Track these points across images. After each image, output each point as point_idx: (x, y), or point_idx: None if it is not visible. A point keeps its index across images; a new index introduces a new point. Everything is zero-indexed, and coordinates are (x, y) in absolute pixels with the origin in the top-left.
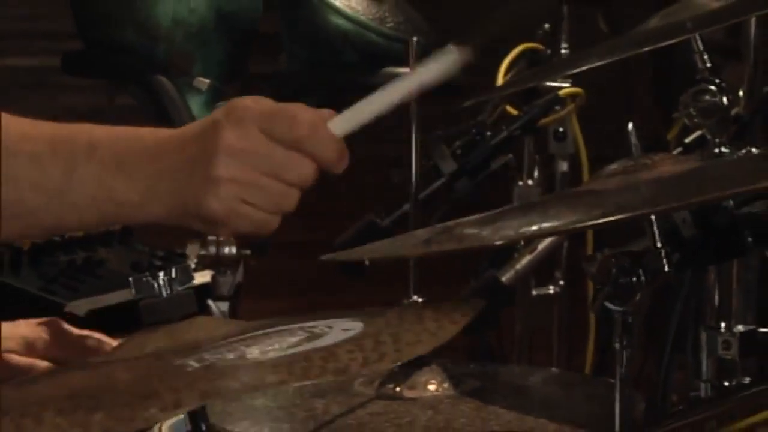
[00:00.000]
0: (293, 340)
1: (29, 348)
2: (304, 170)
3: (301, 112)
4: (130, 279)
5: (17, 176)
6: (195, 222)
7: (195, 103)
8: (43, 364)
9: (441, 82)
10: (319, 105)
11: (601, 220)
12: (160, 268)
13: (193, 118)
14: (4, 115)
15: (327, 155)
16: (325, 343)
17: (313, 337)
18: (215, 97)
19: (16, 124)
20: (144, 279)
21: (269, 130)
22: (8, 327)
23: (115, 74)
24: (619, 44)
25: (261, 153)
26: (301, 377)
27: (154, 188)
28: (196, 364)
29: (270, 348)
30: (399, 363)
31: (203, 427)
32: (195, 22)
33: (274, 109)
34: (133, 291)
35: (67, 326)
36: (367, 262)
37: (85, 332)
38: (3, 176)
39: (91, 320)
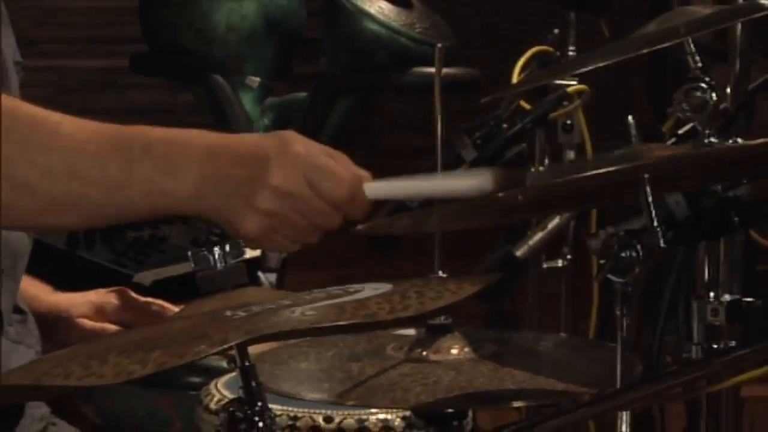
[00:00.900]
0: (329, 300)
1: (99, 313)
2: (333, 220)
3: (346, 173)
4: (189, 253)
5: (83, 173)
6: (229, 229)
7: (247, 99)
8: (113, 327)
9: (466, 197)
10: (354, 102)
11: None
12: (215, 244)
13: (245, 113)
14: (72, 118)
15: (356, 215)
16: (356, 298)
17: (348, 294)
18: (264, 93)
19: (82, 126)
20: (201, 253)
21: (313, 182)
22: (79, 296)
23: (177, 74)
24: (619, 47)
25: (301, 198)
26: (334, 319)
27: (200, 190)
28: (242, 314)
29: (310, 308)
30: (422, 314)
31: (254, 385)
32: (246, 28)
33: (322, 164)
34: (192, 264)
35: (132, 294)
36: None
37: (149, 299)
38: (71, 173)
39: (155, 290)
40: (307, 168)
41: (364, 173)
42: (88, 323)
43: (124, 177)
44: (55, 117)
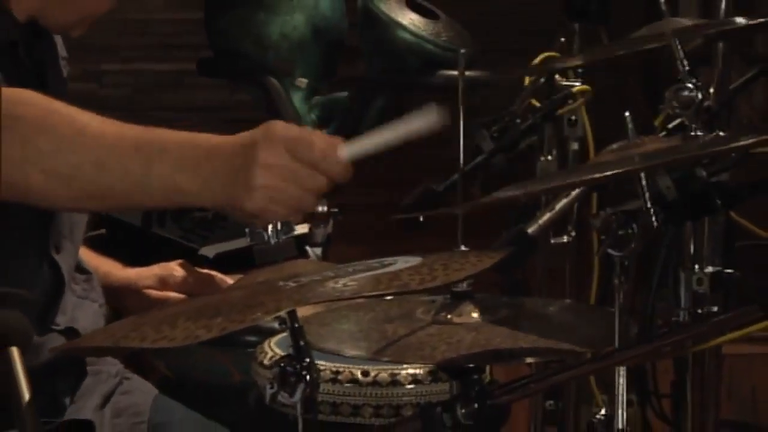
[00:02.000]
0: (367, 271)
1: (163, 284)
2: (317, 182)
3: (318, 139)
4: (247, 230)
5: (108, 169)
6: (236, 213)
7: (296, 98)
8: (176, 295)
9: (421, 134)
10: (388, 100)
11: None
12: (268, 222)
13: (295, 110)
14: (101, 118)
15: (334, 173)
16: (390, 270)
17: (383, 267)
18: (311, 93)
19: (109, 127)
20: (257, 230)
21: (293, 151)
22: (146, 270)
23: (237, 76)
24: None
25: (285, 168)
26: (371, 289)
27: (208, 184)
28: (293, 284)
29: (350, 279)
30: (448, 283)
31: (301, 344)
32: (296, 37)
33: (298, 135)
34: (249, 239)
35: (191, 267)
36: (421, 219)
37: (205, 271)
38: (98, 168)
39: (218, 262)
40: (286, 142)
41: (336, 139)
42: (153, 293)
43: (144, 174)
44: (85, 117)
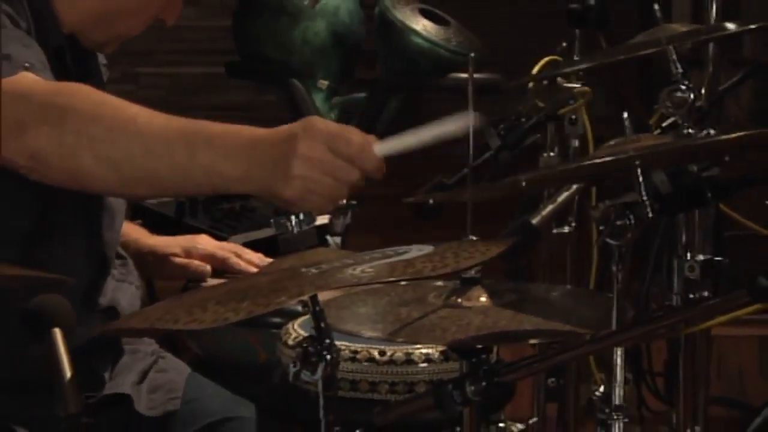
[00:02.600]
0: (383, 259)
1: (187, 253)
2: (352, 176)
3: (355, 136)
4: (272, 220)
5: (155, 157)
6: (275, 200)
7: (318, 98)
8: (197, 263)
9: (454, 137)
10: (403, 100)
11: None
12: (292, 213)
13: (316, 109)
14: (148, 110)
15: (368, 168)
16: (405, 257)
17: (398, 255)
18: (331, 94)
19: (156, 118)
20: (281, 220)
21: (332, 145)
22: (171, 239)
23: (263, 78)
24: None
25: (323, 161)
26: (387, 276)
27: (249, 172)
28: (315, 271)
29: (368, 266)
30: (458, 270)
31: (323, 325)
32: (318, 42)
33: (337, 130)
34: (274, 229)
35: (210, 239)
36: (431, 201)
37: (223, 243)
38: (145, 155)
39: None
40: (325, 136)
41: (371, 136)
42: (177, 259)
43: (189, 161)
44: (134, 108)
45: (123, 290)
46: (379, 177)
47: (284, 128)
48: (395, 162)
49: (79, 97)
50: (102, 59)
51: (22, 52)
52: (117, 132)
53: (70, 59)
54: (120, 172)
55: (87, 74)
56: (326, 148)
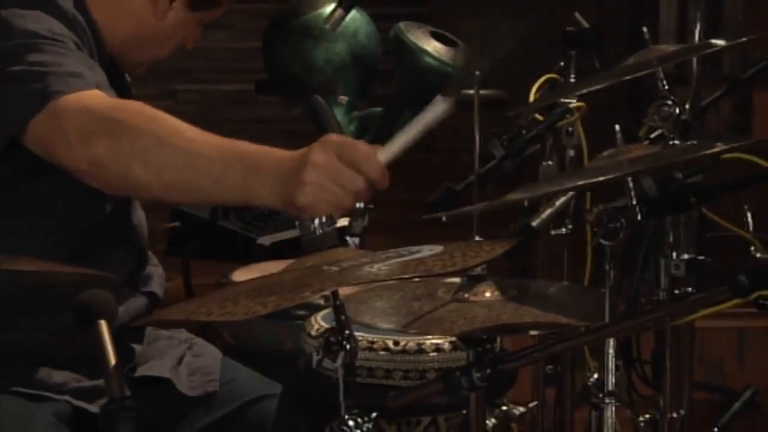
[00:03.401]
0: (397, 258)
1: None
2: (358, 183)
3: (361, 146)
4: (296, 222)
5: (195, 168)
6: (290, 209)
7: (338, 113)
8: None
9: (436, 124)
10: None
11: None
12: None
13: (337, 123)
14: (194, 128)
15: (373, 174)
16: (417, 257)
17: (410, 254)
18: (350, 108)
19: (200, 135)
20: (305, 222)
21: (340, 153)
22: None
23: (289, 94)
24: (607, 75)
25: (332, 168)
26: (401, 273)
27: (274, 187)
28: (335, 269)
29: (384, 264)
30: (465, 268)
31: (343, 318)
32: (338, 62)
33: (345, 141)
34: (298, 230)
35: None
36: (443, 219)
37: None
38: (186, 166)
39: (272, 249)
40: (335, 146)
41: (376, 146)
42: None
43: (222, 175)
44: (181, 125)
45: (155, 275)
46: (383, 186)
47: (304, 149)
48: (408, 169)
49: (135, 113)
50: (128, 77)
51: (90, 72)
52: (163, 144)
53: (113, 80)
54: (162, 179)
55: (124, 92)
56: (335, 156)
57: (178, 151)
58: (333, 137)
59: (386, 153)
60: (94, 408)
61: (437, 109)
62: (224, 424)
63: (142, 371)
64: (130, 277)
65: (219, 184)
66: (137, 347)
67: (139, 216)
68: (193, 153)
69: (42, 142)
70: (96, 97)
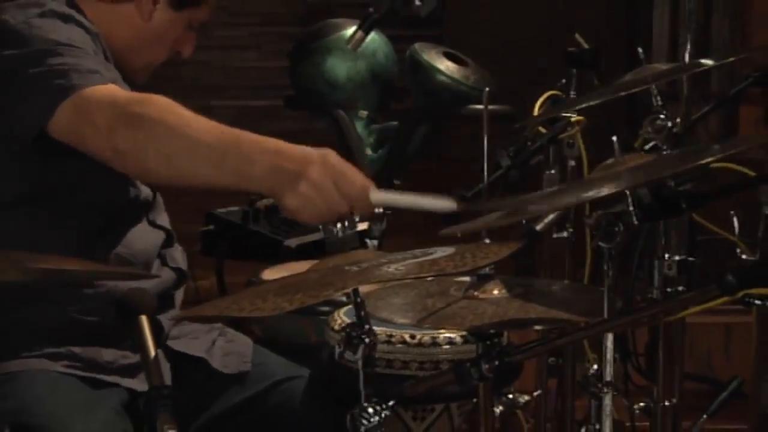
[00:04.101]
0: (413, 258)
1: None
2: (342, 209)
3: (358, 180)
4: (320, 226)
5: (200, 154)
6: (278, 202)
7: (359, 126)
8: None
9: (434, 211)
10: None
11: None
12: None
13: (358, 135)
14: (205, 120)
15: (359, 209)
16: (431, 257)
17: (425, 256)
18: (370, 122)
19: (205, 125)
20: (328, 226)
21: (337, 179)
22: None
23: (314, 109)
24: (605, 91)
25: (326, 191)
26: (416, 273)
27: (267, 176)
28: (356, 268)
29: (401, 264)
30: (475, 268)
31: (363, 314)
32: (359, 79)
33: (345, 171)
34: (322, 233)
35: None
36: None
37: None
38: (191, 154)
39: (299, 251)
40: (335, 173)
41: (369, 183)
42: None
43: (221, 162)
44: (191, 116)
45: (178, 252)
46: (368, 217)
47: (305, 149)
48: (422, 177)
49: (152, 105)
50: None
51: (106, 71)
52: (174, 134)
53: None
54: (171, 165)
55: None
56: (332, 182)
57: (185, 139)
58: (333, 159)
59: (378, 197)
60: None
61: (441, 204)
62: (255, 401)
63: (174, 345)
64: (161, 254)
65: (217, 171)
66: (166, 322)
67: (159, 200)
68: (197, 141)
69: (69, 131)
70: (116, 90)
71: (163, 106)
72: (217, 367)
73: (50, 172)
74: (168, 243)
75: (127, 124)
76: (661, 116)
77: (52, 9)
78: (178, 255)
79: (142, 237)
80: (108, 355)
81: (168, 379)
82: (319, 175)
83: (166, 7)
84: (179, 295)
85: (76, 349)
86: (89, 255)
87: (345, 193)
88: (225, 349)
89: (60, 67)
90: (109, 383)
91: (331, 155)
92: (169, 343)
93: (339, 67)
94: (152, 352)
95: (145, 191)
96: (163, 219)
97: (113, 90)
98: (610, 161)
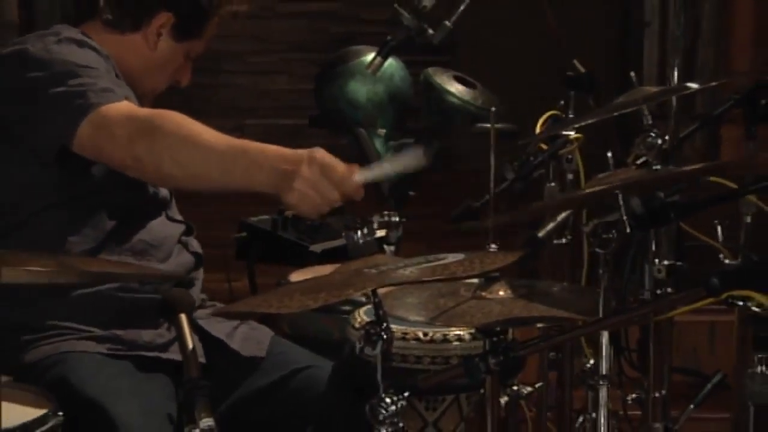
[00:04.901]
0: (426, 263)
1: None
2: (333, 195)
3: (340, 167)
4: (343, 233)
5: (211, 161)
6: (281, 199)
7: (377, 143)
8: None
9: (412, 168)
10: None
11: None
12: (358, 227)
13: (377, 151)
14: (214, 132)
15: (348, 191)
16: (443, 262)
17: (437, 260)
18: (387, 139)
19: (214, 136)
20: (350, 233)
21: (323, 171)
22: None
23: (337, 128)
24: (600, 111)
25: (316, 183)
26: (429, 275)
27: (269, 178)
28: (375, 271)
29: (415, 268)
30: (483, 271)
31: (381, 313)
32: (377, 100)
33: (329, 162)
34: (344, 239)
35: None
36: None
37: None
38: (203, 161)
39: (323, 255)
40: (322, 166)
41: (354, 167)
42: None
43: (230, 167)
44: (202, 129)
45: (194, 240)
46: (357, 198)
47: (297, 151)
48: (434, 189)
49: (167, 119)
50: None
51: (120, 89)
52: (188, 143)
53: None
54: (185, 171)
55: None
56: (320, 174)
57: (197, 148)
58: (319, 155)
59: (362, 174)
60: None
61: (414, 160)
62: (277, 386)
63: (201, 322)
64: (181, 241)
65: (228, 175)
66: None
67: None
68: (208, 149)
69: (90, 145)
70: (130, 106)
71: (176, 119)
72: (235, 348)
73: (75, 180)
74: (188, 233)
75: (145, 135)
76: (652, 134)
77: (68, 36)
78: (195, 243)
79: (163, 228)
80: (147, 335)
81: (201, 353)
82: (308, 170)
83: (169, 38)
84: (200, 275)
85: (119, 332)
86: (116, 246)
87: (334, 181)
88: (245, 335)
89: (78, 88)
90: (151, 358)
91: (318, 152)
92: (198, 321)
93: (360, 89)
94: (191, 345)
95: (163, 190)
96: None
97: (128, 106)
98: (604, 174)
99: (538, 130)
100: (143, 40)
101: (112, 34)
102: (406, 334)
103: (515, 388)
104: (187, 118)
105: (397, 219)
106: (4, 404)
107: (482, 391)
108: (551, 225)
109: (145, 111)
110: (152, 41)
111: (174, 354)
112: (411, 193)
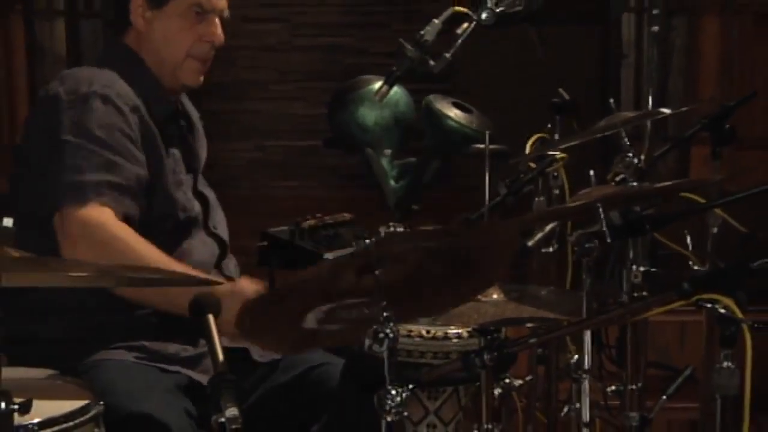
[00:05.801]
0: None
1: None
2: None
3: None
4: (353, 243)
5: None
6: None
7: (384, 161)
8: None
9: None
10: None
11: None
12: (365, 238)
13: (384, 169)
14: (158, 253)
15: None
16: None
17: None
18: (393, 158)
19: (156, 256)
20: (359, 242)
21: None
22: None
23: (348, 148)
24: (583, 134)
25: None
26: None
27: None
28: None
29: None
30: None
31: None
32: (384, 123)
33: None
34: (354, 248)
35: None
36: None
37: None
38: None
39: None
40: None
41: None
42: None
43: (162, 292)
44: (144, 246)
45: (232, 262)
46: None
47: (230, 286)
48: (434, 203)
49: (119, 234)
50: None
51: (114, 176)
52: (131, 254)
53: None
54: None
55: (187, 131)
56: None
57: (137, 260)
58: (245, 283)
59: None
60: (200, 377)
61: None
62: (293, 384)
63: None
64: (217, 265)
65: (176, 299)
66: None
67: (213, 207)
68: (146, 264)
69: (56, 228)
70: (99, 217)
71: (130, 244)
72: (255, 357)
73: None
74: (222, 255)
75: (94, 250)
76: (629, 154)
77: (96, 91)
78: (231, 265)
79: (200, 249)
80: (172, 348)
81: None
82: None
83: (150, 10)
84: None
85: (146, 343)
86: None
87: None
88: None
89: (70, 177)
90: (172, 371)
91: (241, 284)
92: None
93: (368, 114)
94: (217, 344)
95: (196, 208)
96: (222, 226)
97: (98, 217)
98: (586, 190)
99: (527, 150)
100: (141, 26)
101: (133, 35)
102: (410, 331)
103: (507, 380)
104: (141, 242)
105: (402, 230)
106: (50, 396)
107: (478, 383)
108: (539, 235)
109: (100, 221)
110: (141, 23)
111: (196, 375)
112: (414, 207)
